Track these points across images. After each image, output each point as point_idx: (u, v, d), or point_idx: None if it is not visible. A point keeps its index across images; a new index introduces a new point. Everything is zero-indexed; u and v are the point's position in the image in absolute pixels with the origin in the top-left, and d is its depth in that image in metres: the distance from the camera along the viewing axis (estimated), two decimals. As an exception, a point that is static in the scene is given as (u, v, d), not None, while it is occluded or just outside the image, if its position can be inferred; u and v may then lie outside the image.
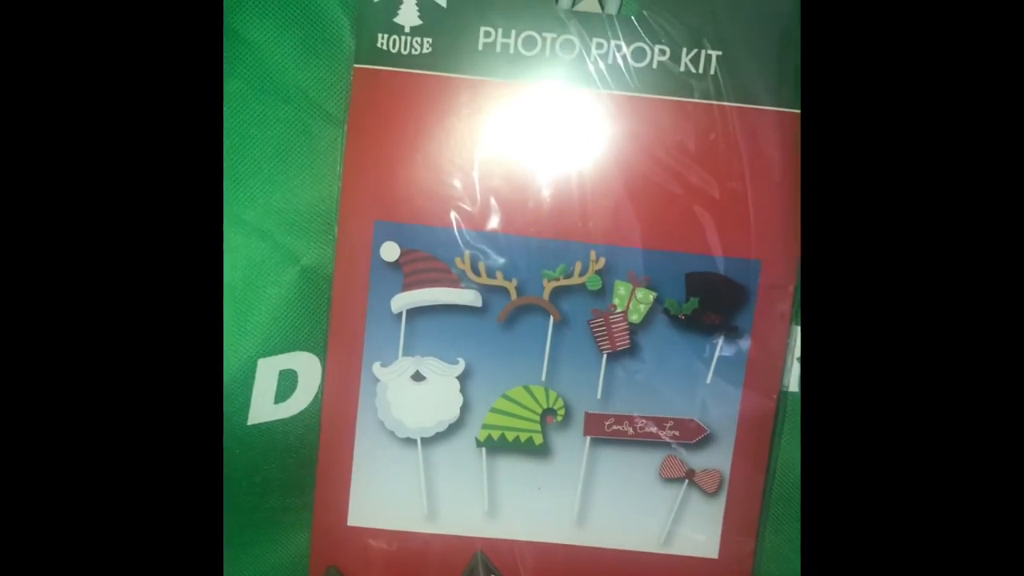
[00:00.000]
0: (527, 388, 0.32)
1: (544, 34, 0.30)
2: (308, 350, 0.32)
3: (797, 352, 0.33)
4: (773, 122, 0.31)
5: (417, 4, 0.30)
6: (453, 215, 0.31)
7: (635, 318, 0.32)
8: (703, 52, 0.30)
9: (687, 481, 0.33)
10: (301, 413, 0.32)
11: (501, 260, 0.31)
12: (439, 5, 0.30)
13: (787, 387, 0.33)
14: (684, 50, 0.30)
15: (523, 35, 0.30)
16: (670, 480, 0.33)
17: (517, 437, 0.32)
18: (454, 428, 0.32)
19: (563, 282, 0.31)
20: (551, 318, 0.32)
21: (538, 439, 0.32)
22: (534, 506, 0.33)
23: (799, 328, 0.33)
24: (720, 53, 0.30)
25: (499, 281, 0.31)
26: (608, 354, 0.32)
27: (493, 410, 0.32)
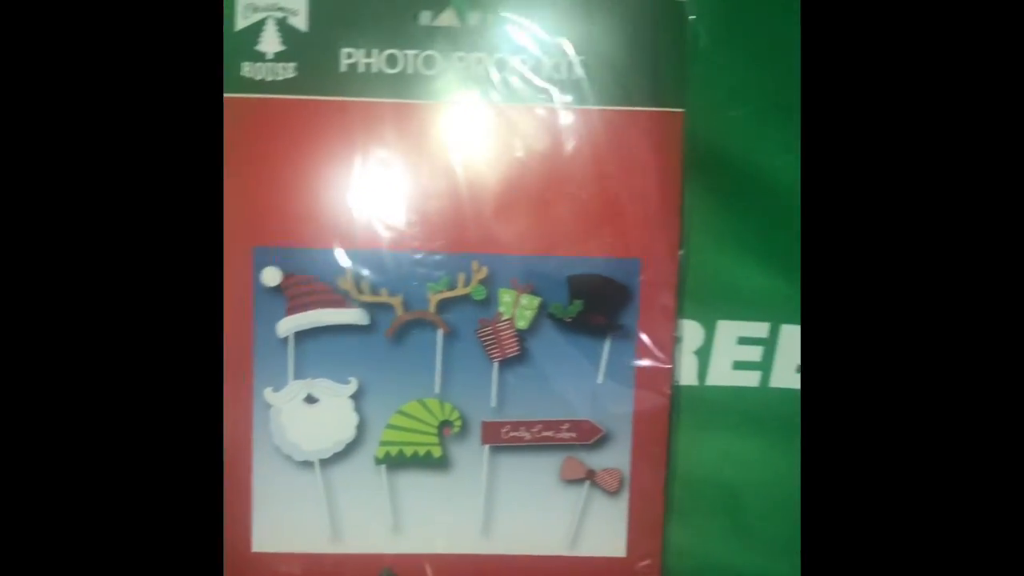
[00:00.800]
0: (422, 402, 0.32)
1: (406, 51, 0.30)
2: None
3: (692, 346, 0.34)
4: (646, 123, 0.31)
5: (278, 30, 0.30)
6: (332, 236, 0.31)
7: (522, 324, 0.32)
8: (565, 58, 0.31)
9: (589, 482, 0.33)
10: None
11: (384, 277, 0.31)
12: (299, 30, 0.30)
13: (679, 381, 0.33)
14: (546, 58, 0.31)
15: (385, 54, 0.30)
16: (572, 482, 0.33)
17: (416, 451, 0.32)
18: (351, 447, 0.32)
19: (448, 294, 0.32)
20: (439, 331, 0.32)
21: (437, 452, 0.32)
22: (438, 519, 0.33)
23: (688, 322, 0.33)
24: (582, 58, 0.30)
25: (384, 298, 0.32)
26: (499, 362, 0.32)
27: (389, 426, 0.32)
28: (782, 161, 0.31)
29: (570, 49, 0.30)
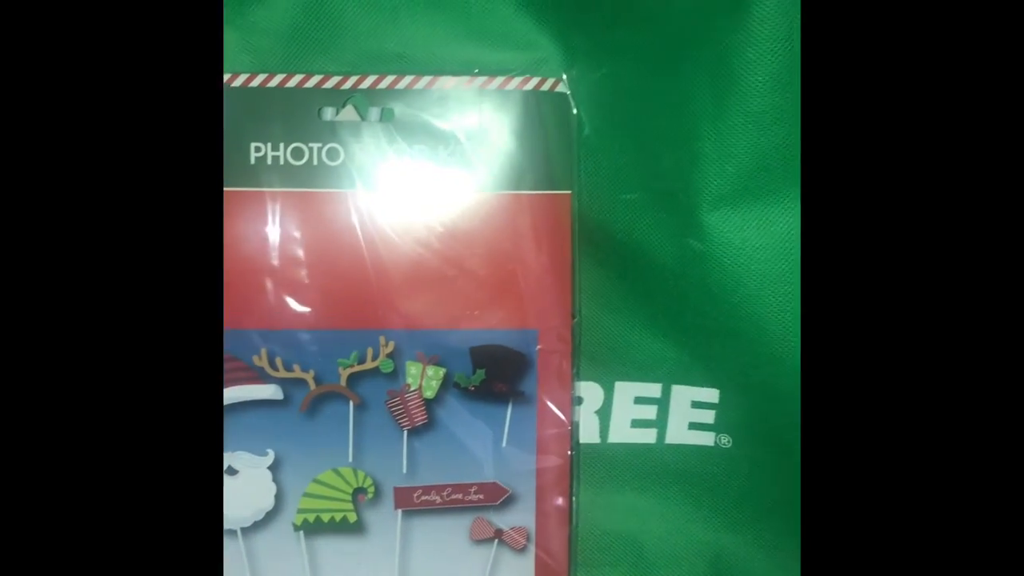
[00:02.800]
0: (336, 470, 0.34)
1: (310, 144, 0.33)
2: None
3: (593, 406, 0.36)
4: (537, 204, 0.33)
5: (191, 127, 0.32)
6: (247, 317, 0.33)
7: (429, 394, 0.34)
8: (459, 147, 0.33)
9: (497, 540, 0.35)
10: None
11: (297, 354, 0.33)
12: (211, 126, 0.33)
13: (581, 440, 0.35)
14: (442, 147, 0.33)
15: (291, 147, 0.33)
16: (480, 541, 0.35)
17: (332, 517, 0.34)
18: (271, 516, 0.34)
19: (357, 368, 0.34)
20: (351, 403, 0.34)
21: (352, 517, 0.34)
22: (356, 581, 0.35)
23: (589, 384, 0.35)
24: (474, 146, 0.33)
25: (297, 373, 0.34)
26: (408, 430, 0.34)
27: (306, 495, 0.34)
28: (663, 240, 0.33)
29: (464, 139, 0.33)
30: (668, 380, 0.35)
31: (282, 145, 0.33)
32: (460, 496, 0.34)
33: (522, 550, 0.35)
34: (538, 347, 0.34)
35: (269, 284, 0.33)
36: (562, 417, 0.35)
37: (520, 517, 0.35)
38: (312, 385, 0.34)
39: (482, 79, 0.33)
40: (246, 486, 0.34)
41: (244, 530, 0.34)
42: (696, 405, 0.35)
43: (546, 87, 0.33)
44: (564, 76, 0.33)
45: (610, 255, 0.34)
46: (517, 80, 0.33)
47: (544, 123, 0.33)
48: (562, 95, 0.33)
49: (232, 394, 0.33)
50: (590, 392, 0.36)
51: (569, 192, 0.33)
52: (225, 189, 0.33)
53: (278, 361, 0.33)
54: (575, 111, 0.33)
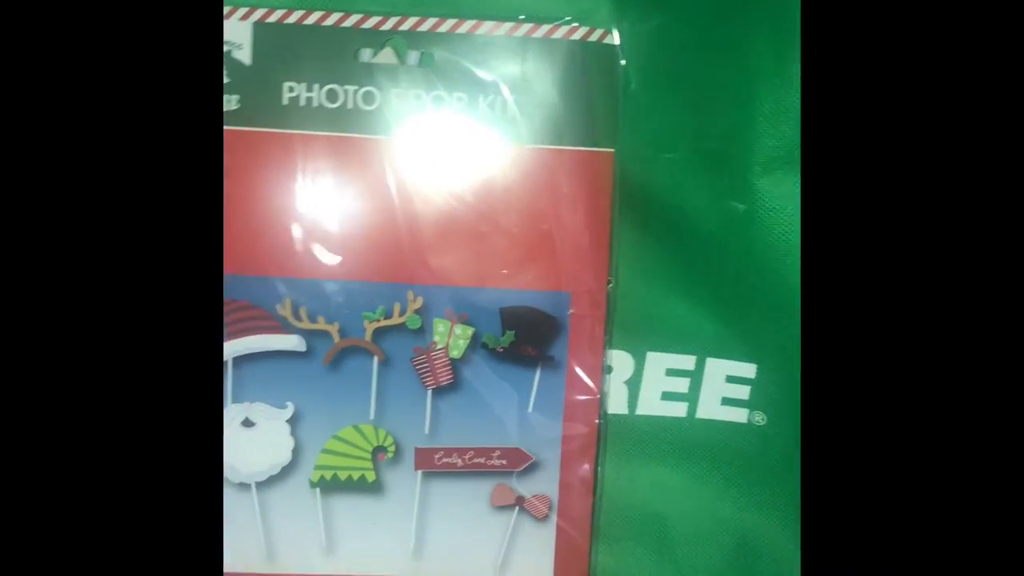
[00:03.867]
0: (356, 427, 0.33)
1: (346, 87, 0.31)
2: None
3: (623, 376, 0.35)
4: (577, 161, 0.32)
5: (224, 63, 0.31)
6: (272, 264, 0.32)
7: (455, 354, 0.33)
8: (499, 98, 0.32)
9: (518, 508, 0.34)
10: None
11: (322, 305, 0.32)
12: (243, 64, 0.31)
13: (608, 410, 0.34)
14: (481, 96, 0.32)
15: (325, 88, 0.31)
16: (501, 508, 0.34)
17: (350, 476, 0.33)
18: (287, 471, 0.33)
19: (383, 323, 0.33)
20: (375, 358, 0.33)
21: (371, 476, 0.33)
22: (371, 541, 0.33)
23: (619, 352, 0.34)
24: (516, 98, 0.32)
25: (321, 325, 0.32)
26: (433, 390, 0.33)
27: (324, 451, 0.33)
28: (703, 203, 0.32)
29: (505, 89, 0.32)
30: (703, 352, 0.34)
31: (316, 86, 0.31)
32: (482, 460, 0.33)
33: (543, 519, 0.34)
34: (570, 311, 0.33)
35: (296, 231, 0.32)
36: (591, 385, 0.33)
37: (543, 485, 0.34)
38: (336, 338, 0.32)
39: (528, 26, 0.31)
40: (263, 439, 0.33)
41: (259, 484, 0.33)
42: (731, 380, 0.34)
43: (594, 38, 0.32)
44: (614, 28, 0.31)
45: (650, 218, 0.33)
46: (564, 29, 0.31)
47: (590, 76, 0.32)
48: (610, 47, 0.32)
49: (253, 343, 0.32)
50: (620, 361, 0.34)
51: (612, 150, 0.32)
52: (255, 130, 0.31)
53: (302, 311, 0.32)
54: (623, 64, 0.32)
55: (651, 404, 0.35)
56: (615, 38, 0.32)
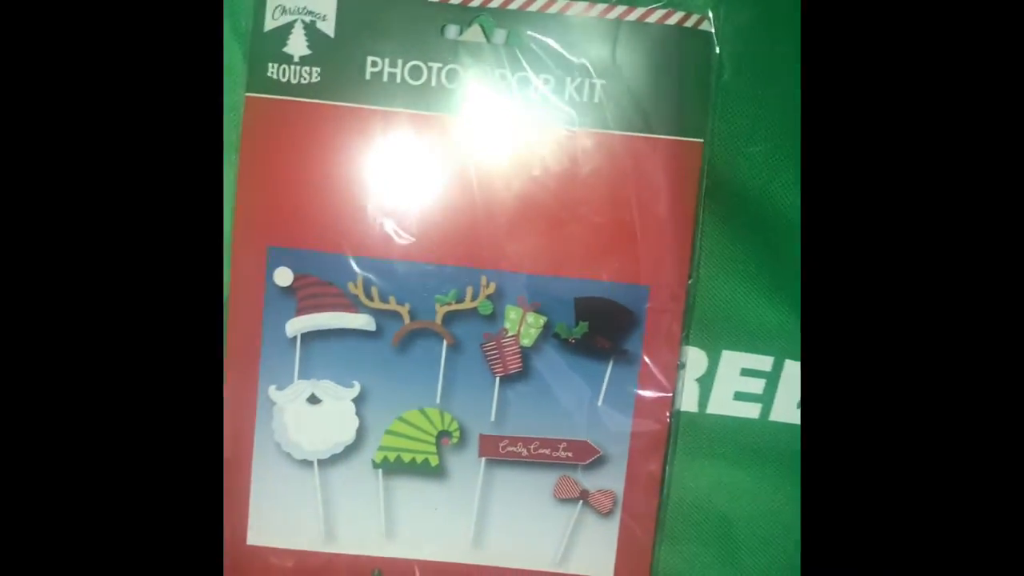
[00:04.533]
0: (422, 411, 0.33)
1: (430, 63, 0.31)
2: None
3: (695, 373, 0.34)
4: (664, 151, 0.31)
5: (306, 34, 0.31)
6: (346, 241, 0.31)
7: (526, 342, 0.32)
8: (587, 81, 0.31)
9: (581, 501, 0.33)
10: None
11: (394, 285, 0.32)
12: (327, 35, 0.31)
13: (679, 407, 0.33)
14: (568, 79, 0.31)
15: (409, 64, 0.31)
16: (564, 500, 0.33)
17: (413, 459, 0.33)
18: (350, 450, 0.33)
19: (455, 307, 0.32)
20: (444, 342, 0.32)
21: (434, 460, 0.33)
22: (431, 526, 0.33)
23: (693, 349, 0.33)
24: (604, 82, 0.31)
25: (392, 306, 0.32)
26: (501, 377, 0.32)
27: (389, 432, 0.33)
28: (795, 200, 0.31)
29: (593, 73, 0.30)
30: (782, 354, 0.33)
31: (400, 62, 0.31)
32: (548, 451, 0.33)
33: (608, 514, 0.33)
34: (648, 305, 0.32)
35: (372, 208, 0.31)
36: (664, 381, 0.32)
37: (608, 480, 0.33)
38: (407, 319, 0.32)
39: (621, 8, 0.30)
40: (328, 417, 0.33)
41: (321, 462, 0.33)
42: (809, 384, 0.33)
43: (689, 24, 0.30)
44: (710, 13, 0.30)
45: (736, 212, 0.32)
46: (659, 13, 0.30)
47: (682, 63, 0.31)
48: (706, 33, 0.30)
49: (323, 320, 0.32)
50: (694, 357, 0.33)
51: (701, 140, 0.31)
52: (335, 104, 0.31)
53: (374, 291, 0.32)
54: (717, 52, 0.30)
55: (723, 403, 0.34)
56: (711, 24, 0.30)
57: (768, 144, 0.31)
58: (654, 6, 0.30)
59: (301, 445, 0.33)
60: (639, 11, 0.30)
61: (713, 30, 0.30)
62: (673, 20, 0.30)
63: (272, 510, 0.33)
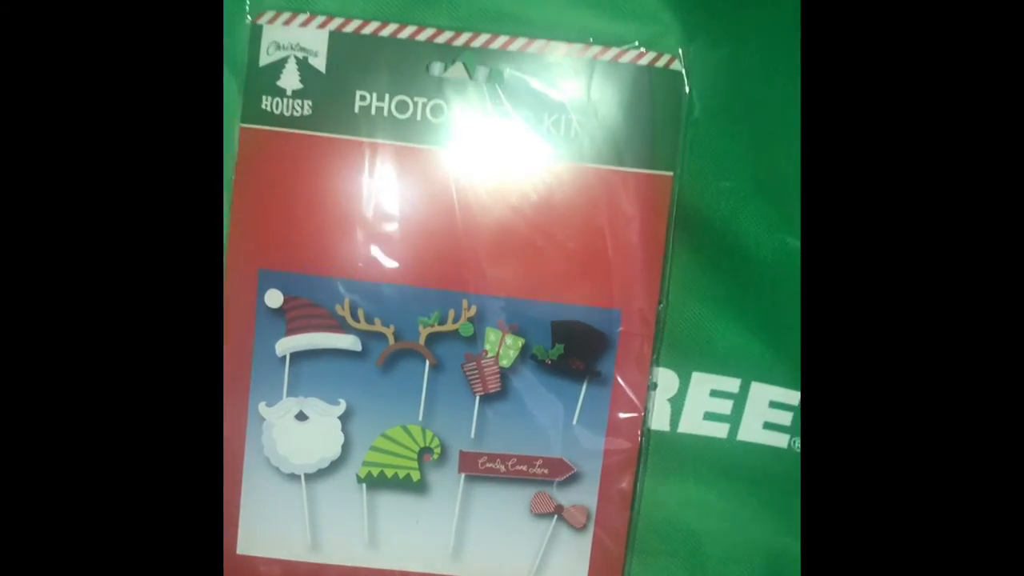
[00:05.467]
0: (405, 428, 0.34)
1: (416, 98, 0.32)
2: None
3: (667, 394, 0.35)
4: (636, 183, 0.33)
5: (298, 69, 0.32)
6: (334, 265, 0.33)
7: (505, 363, 0.34)
8: (564, 117, 0.32)
9: (556, 516, 0.35)
10: None
11: (379, 308, 0.33)
12: (318, 70, 0.32)
13: (651, 426, 0.35)
14: (546, 115, 0.32)
15: (396, 99, 0.32)
16: (540, 515, 0.35)
17: (396, 474, 0.34)
18: (336, 465, 0.34)
19: (437, 328, 0.34)
20: (427, 362, 0.34)
21: (416, 476, 0.34)
22: (412, 538, 0.35)
23: (664, 370, 0.35)
24: (580, 118, 0.32)
25: (377, 327, 0.34)
26: (481, 396, 0.34)
27: (373, 448, 0.34)
28: (759, 231, 0.32)
29: (570, 109, 0.32)
30: (748, 376, 0.35)
31: (387, 96, 0.32)
32: (525, 468, 0.34)
33: (581, 529, 0.35)
34: (620, 328, 0.34)
35: (359, 234, 0.33)
36: (636, 402, 0.34)
37: (582, 496, 0.34)
38: (391, 340, 0.34)
39: (596, 49, 0.32)
40: (315, 433, 0.34)
41: (308, 476, 0.34)
42: (774, 405, 0.35)
43: (661, 63, 0.32)
44: (680, 52, 0.32)
45: (705, 242, 0.33)
46: (632, 53, 0.32)
47: (654, 100, 0.32)
48: (676, 73, 0.32)
49: (311, 340, 0.34)
50: (665, 379, 0.35)
51: (671, 173, 0.33)
52: (326, 136, 0.33)
53: (360, 313, 0.33)
54: (687, 91, 0.32)
55: (693, 423, 0.35)
56: (681, 64, 0.32)
57: (735, 179, 0.32)
58: (627, 47, 0.32)
59: (289, 459, 0.34)
60: (613, 51, 0.32)
61: (683, 70, 0.32)
62: (645, 60, 0.32)
63: (261, 521, 0.34)
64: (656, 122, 0.32)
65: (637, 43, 0.32)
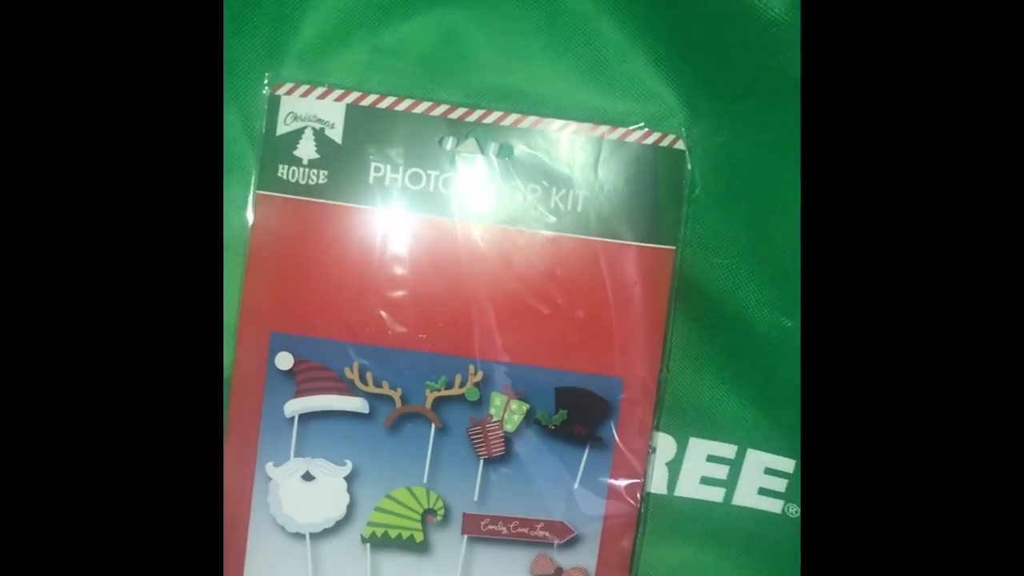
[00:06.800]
0: (410, 489, 0.35)
1: (429, 171, 0.34)
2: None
3: (665, 458, 0.36)
4: (639, 256, 0.34)
5: (315, 140, 0.33)
6: (344, 329, 0.34)
7: (509, 427, 0.35)
8: (571, 192, 0.34)
9: (556, 578, 0.35)
10: None
11: (387, 371, 0.34)
12: (335, 142, 0.33)
13: (649, 489, 0.36)
14: (554, 189, 0.34)
15: (410, 171, 0.34)
16: (540, 577, 0.35)
17: (400, 534, 0.35)
18: (341, 525, 0.35)
19: (444, 393, 0.34)
20: (432, 425, 0.35)
21: (419, 536, 0.35)
22: (414, 599, 0.35)
23: (663, 435, 0.36)
24: (586, 193, 0.34)
25: (385, 390, 0.34)
26: (485, 459, 0.35)
27: (377, 509, 0.35)
28: (758, 310, 0.33)
29: (577, 184, 0.34)
30: (744, 443, 0.36)
31: (401, 168, 0.34)
32: (526, 530, 0.35)
33: (580, 591, 0.35)
34: (622, 395, 0.35)
35: (370, 300, 0.34)
36: (636, 467, 0.35)
37: (582, 559, 0.35)
38: (398, 403, 0.34)
39: (603, 128, 0.33)
40: (321, 493, 0.35)
41: (313, 536, 0.35)
42: (769, 472, 0.36)
43: (665, 143, 0.34)
44: (683, 133, 0.33)
45: (705, 314, 0.34)
46: (638, 133, 0.33)
47: (657, 177, 0.34)
48: (679, 152, 0.34)
49: (320, 402, 0.34)
50: (664, 443, 0.36)
51: (673, 248, 0.34)
52: (340, 204, 0.34)
53: (368, 376, 0.34)
54: (689, 169, 0.34)
55: (690, 487, 0.36)
56: (684, 144, 0.33)
57: (734, 256, 0.34)
58: (633, 127, 0.33)
59: (294, 519, 0.35)
60: (620, 131, 0.33)
61: (686, 149, 0.33)
62: (650, 140, 0.34)
63: (264, 580, 0.35)
64: (659, 198, 0.34)
65: (642, 123, 0.33)
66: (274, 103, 0.34)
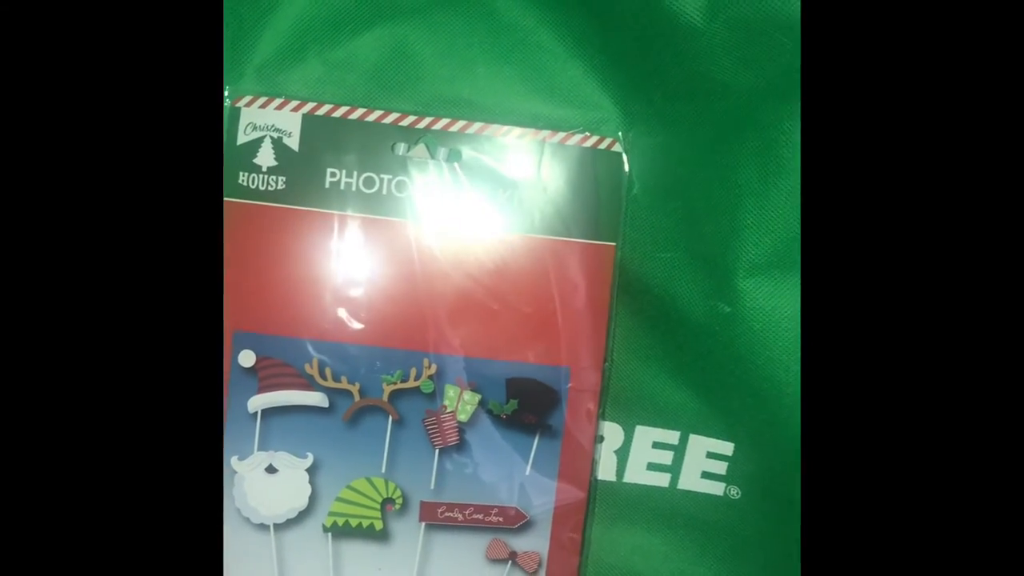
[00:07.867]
0: (369, 479, 0.36)
1: (382, 175, 0.36)
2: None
3: (613, 446, 0.38)
4: (581, 252, 0.36)
5: (273, 148, 0.35)
6: (304, 327, 0.36)
7: (463, 417, 0.36)
8: (516, 192, 0.36)
9: (510, 562, 0.37)
10: None
11: (345, 367, 0.36)
12: (292, 149, 0.35)
13: (598, 477, 0.38)
14: (500, 190, 0.36)
15: (363, 176, 0.36)
16: (495, 561, 0.37)
17: (360, 523, 0.36)
18: (303, 515, 0.36)
19: (400, 386, 0.36)
20: (390, 417, 0.36)
21: (379, 525, 0.37)
22: (375, 585, 0.37)
23: (610, 424, 0.38)
24: (530, 193, 0.36)
25: (344, 385, 0.36)
26: (440, 449, 0.36)
27: (338, 499, 0.36)
28: (696, 300, 0.35)
29: (521, 185, 0.36)
30: (686, 429, 0.38)
31: (356, 173, 0.35)
32: (481, 516, 0.37)
33: (533, 574, 0.37)
34: (569, 384, 0.36)
35: (328, 299, 0.36)
36: (585, 453, 0.37)
37: (534, 542, 0.37)
38: (357, 397, 0.36)
39: (545, 132, 0.36)
40: (283, 485, 0.36)
41: (277, 526, 0.36)
42: (711, 456, 0.38)
43: (603, 146, 0.36)
44: (620, 136, 0.36)
45: (645, 306, 0.36)
46: (576, 137, 0.36)
47: (597, 178, 0.36)
48: (616, 154, 0.36)
49: (281, 398, 0.36)
50: (611, 432, 0.38)
51: (613, 244, 0.36)
52: (298, 208, 0.35)
53: (327, 371, 0.36)
54: (627, 170, 0.36)
55: (637, 473, 0.38)
56: (620, 147, 0.36)
57: (671, 250, 0.36)
58: (573, 131, 0.36)
59: (259, 510, 0.36)
60: (560, 135, 0.36)
61: (623, 151, 0.36)
62: (589, 143, 0.36)
63: (232, 569, 0.36)
64: (600, 198, 0.36)
65: (582, 128, 0.36)
66: (234, 114, 0.36)
